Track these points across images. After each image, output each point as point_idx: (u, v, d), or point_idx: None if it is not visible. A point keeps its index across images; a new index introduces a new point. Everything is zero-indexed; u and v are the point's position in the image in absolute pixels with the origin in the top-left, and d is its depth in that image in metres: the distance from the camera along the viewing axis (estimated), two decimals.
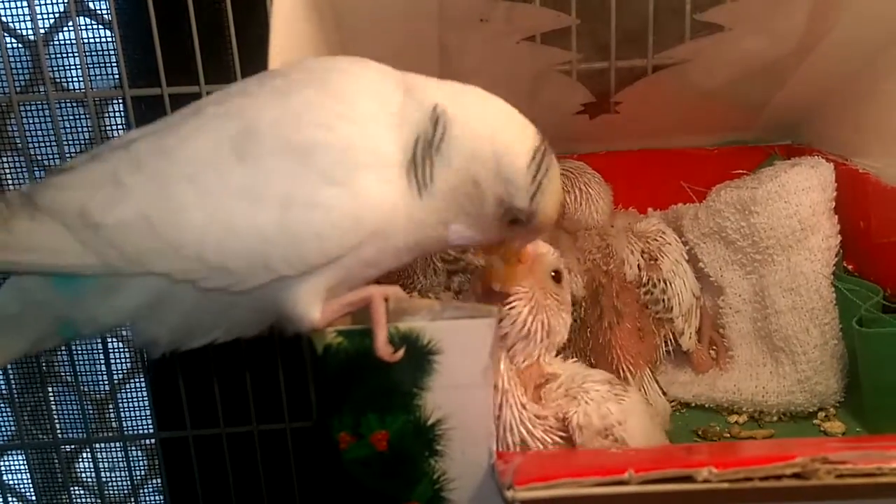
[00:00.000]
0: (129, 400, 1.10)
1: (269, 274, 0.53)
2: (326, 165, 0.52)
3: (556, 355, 0.70)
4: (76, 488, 1.13)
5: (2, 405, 1.10)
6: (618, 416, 0.63)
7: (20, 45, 0.99)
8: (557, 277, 0.69)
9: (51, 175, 0.57)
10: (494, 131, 0.54)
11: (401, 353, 0.55)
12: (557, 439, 0.64)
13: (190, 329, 0.57)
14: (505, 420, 0.64)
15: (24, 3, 0.96)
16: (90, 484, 1.13)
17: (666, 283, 0.89)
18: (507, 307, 0.66)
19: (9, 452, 1.13)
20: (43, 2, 0.97)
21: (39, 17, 0.95)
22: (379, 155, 0.53)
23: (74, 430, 1.11)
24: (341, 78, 0.56)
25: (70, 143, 1.00)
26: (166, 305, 0.55)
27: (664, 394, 0.88)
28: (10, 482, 1.14)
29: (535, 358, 0.67)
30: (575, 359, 0.72)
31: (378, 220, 0.53)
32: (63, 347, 1.05)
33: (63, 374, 1.10)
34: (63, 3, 0.98)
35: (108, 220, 0.52)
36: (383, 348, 0.54)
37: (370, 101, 0.55)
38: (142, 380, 1.09)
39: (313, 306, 0.54)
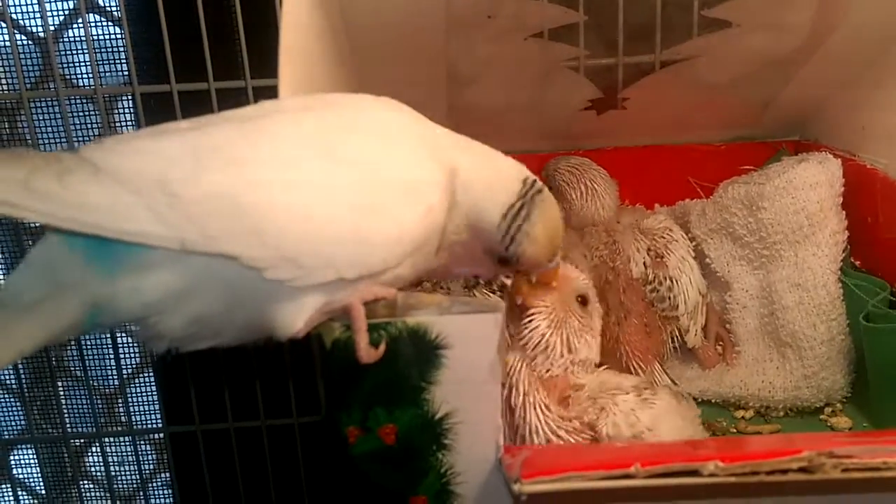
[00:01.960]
0: (139, 395, 1.11)
1: (332, 274, 0.54)
2: (404, 185, 0.56)
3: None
4: (85, 482, 1.14)
5: (11, 400, 1.11)
6: (647, 423, 0.64)
7: (30, 42, 1.00)
8: (584, 301, 0.72)
9: (106, 140, 0.55)
10: (474, 195, 0.60)
11: (381, 350, 0.56)
12: (581, 440, 0.65)
13: (200, 328, 0.56)
14: (530, 422, 0.66)
15: (35, 1, 0.96)
16: (99, 478, 1.13)
17: (672, 281, 0.89)
18: (527, 319, 0.69)
19: (18, 446, 1.14)
20: None
21: (49, 14, 0.95)
22: (437, 188, 0.58)
23: (84, 425, 1.12)
24: (389, 117, 0.60)
25: (80, 139, 1.00)
26: (192, 296, 0.54)
27: (675, 385, 0.88)
28: (20, 476, 1.15)
29: (561, 371, 0.69)
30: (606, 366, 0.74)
31: (424, 240, 0.57)
32: (73, 342, 1.06)
33: (72, 368, 1.10)
34: (73, 0, 0.98)
35: (191, 194, 0.52)
36: (365, 353, 0.55)
37: (422, 146, 0.59)
38: (151, 375, 1.09)
39: (302, 317, 0.55)
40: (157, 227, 0.52)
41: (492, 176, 0.62)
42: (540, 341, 0.69)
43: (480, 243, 0.62)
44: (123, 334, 1.10)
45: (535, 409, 0.66)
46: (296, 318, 0.55)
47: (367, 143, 0.57)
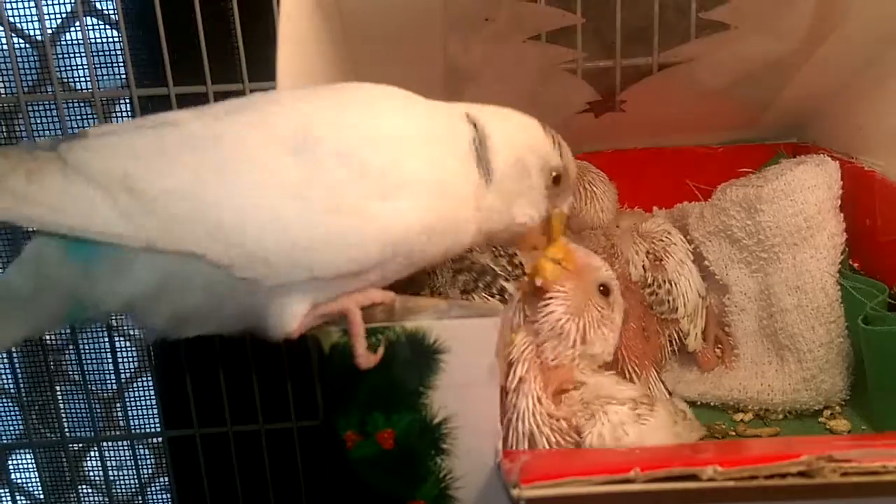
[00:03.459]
0: (137, 398, 1.11)
1: (303, 273, 0.53)
2: (378, 180, 0.54)
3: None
4: (84, 487, 1.14)
5: (10, 404, 1.11)
6: (634, 439, 0.63)
7: (28, 45, 0.99)
8: (605, 291, 0.70)
9: (82, 136, 0.55)
10: (515, 124, 0.64)
11: (379, 354, 0.55)
12: (563, 442, 0.64)
13: (185, 319, 0.56)
14: (519, 409, 0.64)
15: (32, 4, 0.96)
16: (98, 482, 1.13)
17: (671, 284, 0.88)
18: (544, 303, 0.68)
19: (17, 451, 1.14)
20: (50, 2, 0.98)
21: (47, 17, 0.95)
22: (421, 177, 0.56)
23: (82, 429, 1.12)
24: (384, 100, 0.60)
25: None
26: (170, 293, 0.54)
27: (669, 394, 0.88)
28: (18, 481, 1.15)
29: (568, 361, 0.67)
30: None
31: (406, 240, 0.56)
32: (71, 346, 1.06)
33: (71, 372, 1.10)
34: (70, 3, 0.98)
35: (155, 190, 0.52)
36: (363, 359, 0.55)
37: (413, 123, 0.59)
38: (149, 378, 1.09)
39: (295, 317, 0.55)
40: (122, 225, 0.52)
41: (510, 113, 0.65)
42: (554, 327, 0.67)
43: (537, 163, 0.63)
44: (121, 338, 1.10)
45: (527, 396, 0.65)
46: (287, 318, 0.55)
47: (350, 141, 0.55)
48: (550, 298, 0.68)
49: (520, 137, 0.63)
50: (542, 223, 0.65)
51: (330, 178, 0.53)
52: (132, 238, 0.52)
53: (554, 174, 0.64)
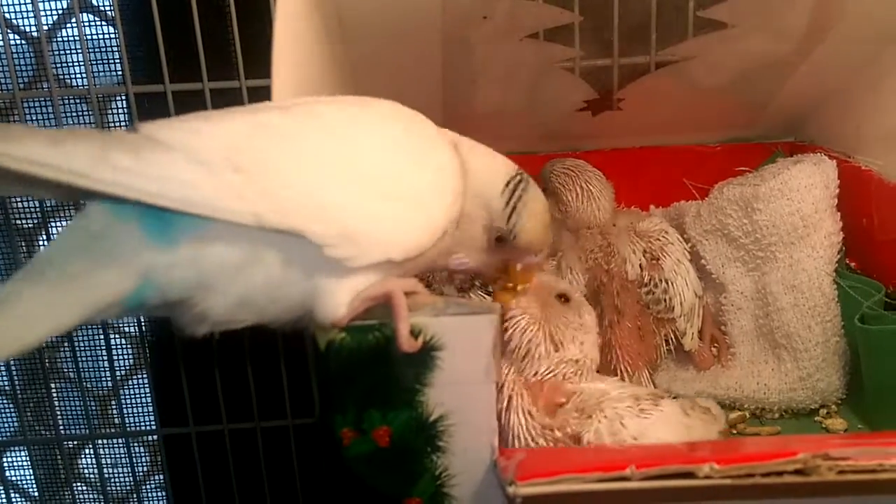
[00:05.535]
0: (132, 396, 1.11)
1: (382, 254, 0.56)
2: (438, 181, 0.60)
3: None
4: (79, 484, 1.14)
5: (4, 401, 1.11)
6: (633, 432, 0.63)
7: (23, 42, 0.99)
8: (564, 299, 0.71)
9: (165, 120, 0.56)
10: (477, 170, 0.63)
11: (421, 341, 0.56)
12: None
13: (249, 303, 0.56)
14: (513, 426, 0.65)
15: (28, 0, 0.96)
16: (93, 480, 1.13)
17: (667, 283, 0.88)
18: (507, 320, 0.68)
19: (11, 448, 1.14)
20: None
21: (43, 13, 0.95)
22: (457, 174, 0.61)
23: (77, 427, 1.12)
24: (404, 111, 0.63)
25: None
26: (244, 273, 0.55)
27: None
28: (13, 478, 1.15)
29: (549, 374, 0.68)
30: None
31: (440, 233, 0.60)
32: (66, 343, 1.05)
33: (66, 370, 1.10)
34: None
35: (262, 169, 0.53)
36: (406, 342, 0.55)
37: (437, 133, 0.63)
38: (144, 376, 1.09)
39: (344, 303, 0.56)
40: (235, 202, 0.52)
41: (489, 153, 0.65)
42: (521, 341, 0.68)
43: (482, 217, 0.64)
44: (116, 335, 1.10)
45: (517, 413, 0.65)
46: (340, 302, 0.56)
47: (397, 132, 0.60)
48: (512, 315, 0.69)
49: (477, 189, 0.63)
50: (503, 269, 0.68)
51: (398, 166, 0.58)
52: (244, 214, 0.53)
53: (497, 234, 0.64)
